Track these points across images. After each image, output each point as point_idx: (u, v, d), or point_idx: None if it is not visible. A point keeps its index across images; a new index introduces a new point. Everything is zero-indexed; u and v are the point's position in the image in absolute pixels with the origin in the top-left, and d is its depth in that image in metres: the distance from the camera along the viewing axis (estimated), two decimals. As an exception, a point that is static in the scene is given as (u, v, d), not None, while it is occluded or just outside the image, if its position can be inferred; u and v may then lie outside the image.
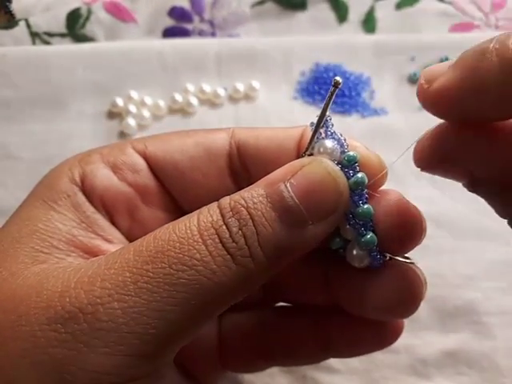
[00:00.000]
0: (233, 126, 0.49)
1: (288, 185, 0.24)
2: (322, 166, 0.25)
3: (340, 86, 0.25)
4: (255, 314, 0.33)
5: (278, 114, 0.50)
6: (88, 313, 0.22)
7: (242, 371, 0.37)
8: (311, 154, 0.27)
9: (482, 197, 0.25)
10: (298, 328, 0.33)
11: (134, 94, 0.50)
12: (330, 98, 0.26)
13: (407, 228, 0.27)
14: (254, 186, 0.25)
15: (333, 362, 0.41)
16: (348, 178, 0.26)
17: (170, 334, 0.23)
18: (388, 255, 0.28)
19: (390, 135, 0.48)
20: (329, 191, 0.25)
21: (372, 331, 0.31)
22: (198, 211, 0.25)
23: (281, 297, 0.34)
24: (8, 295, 0.24)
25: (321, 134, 0.27)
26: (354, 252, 0.28)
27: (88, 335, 0.22)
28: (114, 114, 0.50)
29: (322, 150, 0.26)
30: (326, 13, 0.54)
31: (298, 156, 0.28)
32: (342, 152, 0.26)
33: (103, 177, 0.29)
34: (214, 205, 0.25)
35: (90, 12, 0.53)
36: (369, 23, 0.54)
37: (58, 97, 0.50)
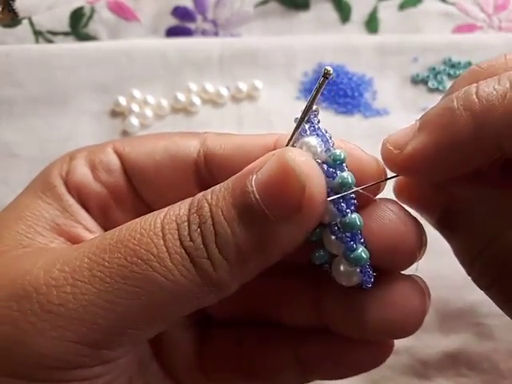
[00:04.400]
0: (235, 125, 0.50)
1: (253, 178, 0.22)
2: (284, 157, 0.22)
3: (331, 77, 0.22)
4: (236, 330, 0.31)
5: (280, 113, 0.50)
6: (41, 293, 0.22)
7: None
8: None
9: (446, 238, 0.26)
10: (278, 350, 0.30)
11: (137, 93, 0.50)
12: (319, 89, 0.23)
13: (405, 245, 0.24)
14: (228, 179, 0.24)
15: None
16: (333, 179, 0.23)
17: (119, 327, 0.22)
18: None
19: (392, 136, 0.48)
20: (289, 185, 0.22)
21: (362, 352, 0.28)
22: (171, 205, 0.24)
23: (264, 314, 0.31)
24: None
25: (305, 130, 0.24)
26: (342, 268, 0.24)
27: (37, 316, 0.22)
28: (117, 113, 0.50)
29: (304, 147, 0.23)
30: (329, 13, 0.54)
31: None
32: (327, 150, 0.23)
33: (80, 174, 0.29)
34: (189, 199, 0.24)
35: (93, 11, 0.53)
36: (372, 24, 0.54)
37: (60, 95, 0.50)
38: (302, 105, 0.52)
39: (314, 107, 0.23)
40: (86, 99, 0.50)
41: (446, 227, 0.26)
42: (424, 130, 0.23)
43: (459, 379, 0.41)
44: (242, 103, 0.51)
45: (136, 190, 0.30)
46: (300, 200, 0.22)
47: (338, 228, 0.23)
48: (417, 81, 0.51)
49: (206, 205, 0.23)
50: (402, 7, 0.54)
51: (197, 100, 0.50)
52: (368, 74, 0.51)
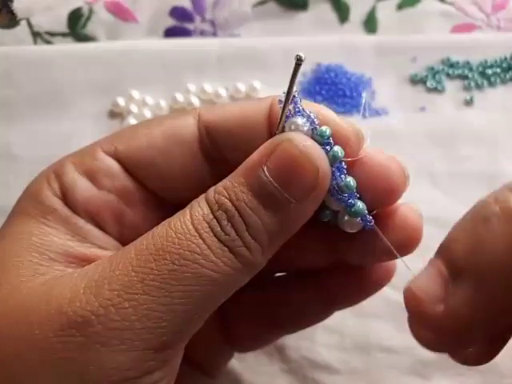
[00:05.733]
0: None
1: (265, 169, 0.25)
2: (293, 144, 0.25)
3: (302, 63, 0.25)
4: (255, 287, 0.32)
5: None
6: (100, 314, 0.23)
7: (250, 348, 0.37)
8: (283, 132, 0.27)
9: None
10: (300, 289, 0.34)
11: (136, 94, 0.50)
12: (294, 74, 0.25)
13: (393, 185, 0.27)
14: (234, 174, 0.26)
15: (333, 362, 0.41)
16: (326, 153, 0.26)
17: (181, 325, 0.24)
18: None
19: (390, 135, 0.48)
20: (305, 168, 0.25)
21: (367, 277, 0.33)
22: (189, 206, 0.26)
23: (279, 266, 0.34)
24: (16, 308, 0.24)
25: (290, 111, 0.26)
26: (345, 220, 0.28)
27: (104, 336, 0.23)
28: (116, 114, 0.50)
29: (293, 127, 0.26)
30: (328, 13, 0.54)
31: (271, 134, 0.27)
32: (314, 128, 0.26)
33: (82, 188, 0.28)
34: (202, 198, 0.26)
35: (91, 12, 0.53)
36: (370, 24, 0.54)
37: (59, 96, 0.50)
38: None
39: (294, 90, 0.26)
40: (84, 100, 0.50)
41: None
42: (465, 277, 0.22)
43: (459, 379, 0.41)
44: (241, 103, 0.51)
45: (143, 184, 0.29)
46: (316, 180, 0.25)
47: (337, 191, 0.27)
48: (415, 80, 0.51)
49: (227, 201, 0.25)
50: (400, 7, 0.54)
51: (195, 100, 0.50)
52: (367, 74, 0.51)
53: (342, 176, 0.27)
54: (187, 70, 0.51)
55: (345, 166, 0.27)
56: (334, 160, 0.26)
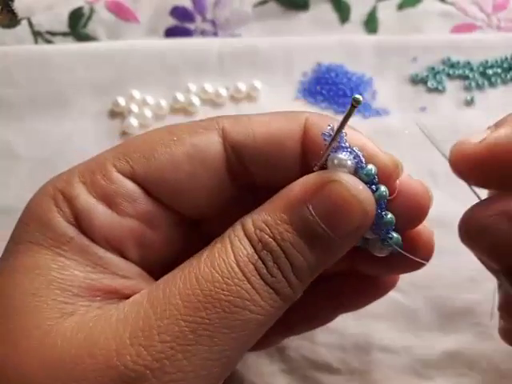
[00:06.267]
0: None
1: (311, 208, 0.24)
2: (345, 187, 0.24)
3: (359, 105, 0.23)
4: None
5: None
6: (155, 368, 0.22)
7: (256, 348, 0.37)
8: (323, 167, 0.26)
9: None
10: (312, 295, 0.33)
11: (136, 94, 0.50)
12: (348, 114, 0.24)
13: (425, 211, 0.27)
14: (272, 207, 0.25)
15: (333, 362, 0.41)
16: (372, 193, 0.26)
17: (231, 366, 0.24)
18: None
19: (391, 136, 0.48)
20: (355, 211, 0.25)
21: (375, 283, 0.34)
22: (228, 241, 0.25)
23: None
24: (53, 359, 0.23)
25: (336, 147, 0.25)
26: (377, 247, 0.28)
27: None
28: (116, 114, 0.50)
29: (336, 162, 0.25)
30: (328, 13, 0.54)
31: (304, 156, 0.27)
32: (361, 167, 0.25)
33: (100, 215, 0.26)
34: (240, 231, 0.25)
35: (92, 11, 0.53)
36: (371, 24, 0.54)
37: (60, 96, 0.50)
38: (302, 105, 0.52)
39: (343, 131, 0.25)
40: (85, 100, 0.50)
41: None
42: (510, 121, 0.22)
43: (459, 379, 0.41)
44: (242, 103, 0.51)
45: (163, 205, 0.28)
46: (364, 221, 0.25)
47: (374, 224, 0.27)
48: (416, 81, 0.51)
49: (271, 240, 0.24)
50: (400, 7, 0.54)
51: (196, 100, 0.50)
52: (367, 74, 0.51)
53: (383, 213, 0.26)
54: (188, 69, 0.51)
55: (385, 203, 0.27)
56: (379, 199, 0.26)
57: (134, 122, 0.49)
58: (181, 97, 0.50)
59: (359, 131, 0.27)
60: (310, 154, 0.27)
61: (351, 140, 0.26)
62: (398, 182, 0.27)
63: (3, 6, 0.54)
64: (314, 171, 0.26)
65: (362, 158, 0.26)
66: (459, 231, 0.25)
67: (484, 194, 0.28)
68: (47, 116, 0.49)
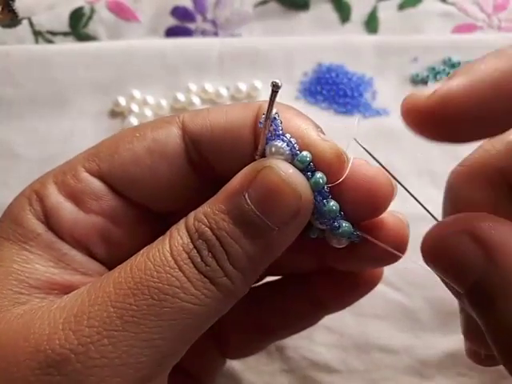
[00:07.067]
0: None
1: (246, 196, 0.24)
2: (275, 171, 0.24)
3: (279, 90, 0.24)
4: (245, 296, 0.33)
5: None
6: (80, 353, 0.22)
7: (242, 355, 0.37)
8: (263, 155, 0.26)
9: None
10: (291, 295, 0.34)
11: (137, 93, 0.50)
12: (272, 99, 0.24)
13: (379, 199, 0.26)
14: (214, 199, 0.25)
15: (332, 361, 0.41)
16: (308, 180, 0.25)
17: (161, 359, 0.24)
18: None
19: (391, 136, 0.48)
20: (287, 196, 0.24)
21: (356, 280, 0.33)
22: (168, 234, 0.25)
23: (269, 272, 0.33)
24: None
25: (271, 132, 0.25)
26: (332, 237, 0.28)
27: (83, 374, 0.22)
28: (117, 113, 0.50)
29: (273, 149, 0.25)
30: (329, 13, 0.54)
31: (257, 144, 0.26)
32: (295, 154, 0.25)
33: (67, 212, 0.27)
34: (182, 225, 0.25)
35: (92, 11, 0.53)
36: (371, 24, 0.54)
37: (60, 95, 0.50)
38: (302, 105, 0.52)
39: (275, 112, 0.25)
40: (85, 99, 0.50)
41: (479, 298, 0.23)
42: (463, 72, 0.21)
43: (459, 379, 0.41)
44: (242, 103, 0.51)
45: (130, 201, 0.28)
46: (298, 207, 0.25)
47: (320, 215, 0.26)
48: (416, 81, 0.51)
49: (207, 229, 0.24)
50: (401, 7, 0.54)
51: (196, 100, 0.50)
52: (368, 74, 0.51)
53: (325, 201, 0.26)
54: (188, 69, 0.51)
55: (327, 190, 0.26)
56: (315, 186, 0.25)
57: (134, 121, 0.49)
58: (181, 97, 0.50)
59: (306, 118, 0.27)
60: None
61: (289, 127, 0.26)
62: (347, 170, 0.26)
63: (4, 6, 0.54)
64: (255, 160, 0.26)
65: (294, 145, 0.25)
66: (421, 251, 0.24)
67: (441, 185, 0.28)
68: (47, 115, 0.49)
